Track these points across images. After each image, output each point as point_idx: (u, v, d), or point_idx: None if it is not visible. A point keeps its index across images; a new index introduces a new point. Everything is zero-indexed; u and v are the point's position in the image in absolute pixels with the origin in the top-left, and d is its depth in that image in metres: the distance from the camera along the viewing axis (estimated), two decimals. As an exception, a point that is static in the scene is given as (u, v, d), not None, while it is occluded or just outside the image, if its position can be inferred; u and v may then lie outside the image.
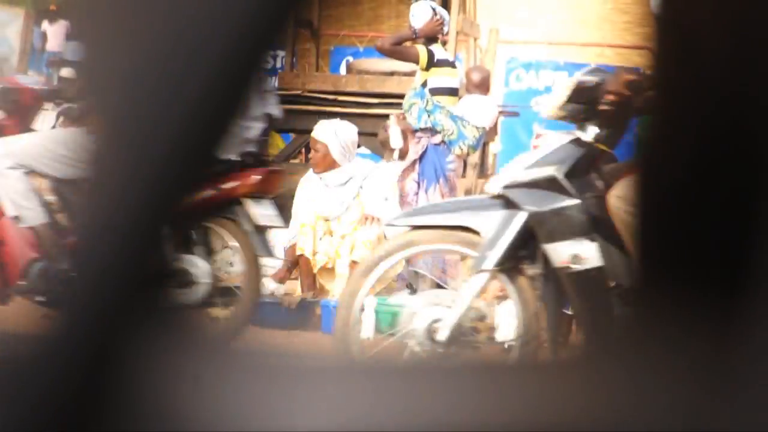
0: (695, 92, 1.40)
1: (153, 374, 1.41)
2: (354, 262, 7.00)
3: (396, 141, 7.65)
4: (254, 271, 5.75)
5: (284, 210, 8.19)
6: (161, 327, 1.45)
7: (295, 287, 7.29)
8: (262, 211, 5.72)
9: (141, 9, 1.33)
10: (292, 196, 7.93)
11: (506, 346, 6.53)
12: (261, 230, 5.74)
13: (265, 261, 8.67)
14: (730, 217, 1.42)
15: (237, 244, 5.76)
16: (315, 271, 7.13)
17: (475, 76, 8.15)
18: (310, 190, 7.28)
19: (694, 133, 1.43)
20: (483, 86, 8.10)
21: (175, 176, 1.33)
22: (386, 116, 7.89)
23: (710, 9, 1.33)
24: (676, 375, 1.43)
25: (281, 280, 7.71)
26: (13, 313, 5.78)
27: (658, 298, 1.47)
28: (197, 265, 5.67)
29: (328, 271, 7.16)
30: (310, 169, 7.38)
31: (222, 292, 5.68)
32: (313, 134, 7.28)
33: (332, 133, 7.21)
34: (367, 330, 6.63)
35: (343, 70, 11.93)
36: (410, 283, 7.23)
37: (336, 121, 7.44)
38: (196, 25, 1.30)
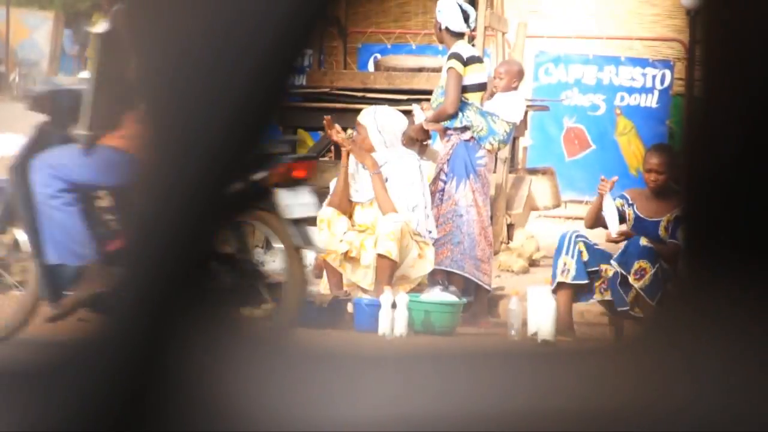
0: (740, 81, 1.39)
1: (202, 374, 1.41)
2: (380, 256, 6.98)
3: (419, 117, 7.69)
4: (296, 265, 5.51)
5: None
6: (210, 327, 1.45)
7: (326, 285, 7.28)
8: (299, 201, 5.52)
9: (181, 17, 1.33)
10: (324, 193, 7.92)
11: (539, 340, 6.52)
12: (299, 221, 5.51)
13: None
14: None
15: (277, 238, 5.53)
16: (338, 257, 7.11)
17: (511, 71, 7.98)
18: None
19: (740, 120, 1.42)
20: (517, 81, 7.98)
21: (220, 173, 1.34)
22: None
23: (755, 3, 1.32)
24: (730, 359, 1.42)
25: (317, 276, 7.71)
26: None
27: (708, 281, 1.47)
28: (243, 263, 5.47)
29: (354, 263, 7.13)
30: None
31: (270, 289, 5.47)
32: (357, 118, 7.40)
33: (371, 117, 7.28)
34: (400, 327, 6.61)
35: (371, 67, 11.92)
36: (442, 279, 7.21)
37: (379, 107, 7.52)
38: (235, 30, 1.30)
